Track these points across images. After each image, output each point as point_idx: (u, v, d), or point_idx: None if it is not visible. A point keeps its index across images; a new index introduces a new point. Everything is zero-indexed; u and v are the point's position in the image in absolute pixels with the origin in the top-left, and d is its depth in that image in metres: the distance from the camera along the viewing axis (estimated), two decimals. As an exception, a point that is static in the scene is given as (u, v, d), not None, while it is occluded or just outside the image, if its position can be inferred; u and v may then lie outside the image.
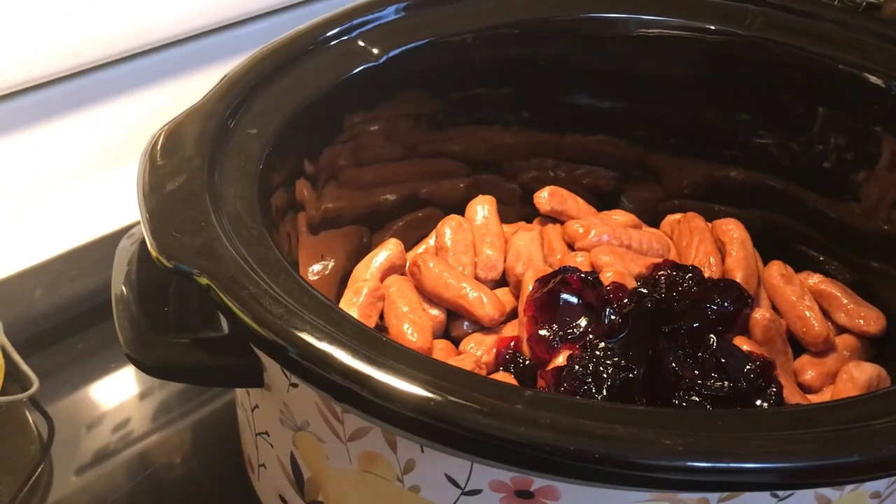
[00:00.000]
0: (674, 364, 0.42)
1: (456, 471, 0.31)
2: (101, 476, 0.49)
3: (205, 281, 0.31)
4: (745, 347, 0.44)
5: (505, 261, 0.49)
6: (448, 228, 0.49)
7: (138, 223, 0.35)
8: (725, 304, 0.44)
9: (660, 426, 0.27)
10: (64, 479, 0.49)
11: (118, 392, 0.55)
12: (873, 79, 0.45)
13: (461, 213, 0.51)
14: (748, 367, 0.42)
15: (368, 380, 0.28)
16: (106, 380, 0.56)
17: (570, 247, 0.50)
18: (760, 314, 0.45)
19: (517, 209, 0.54)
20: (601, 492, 0.30)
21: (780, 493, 0.30)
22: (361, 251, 0.49)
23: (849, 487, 0.31)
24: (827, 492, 0.30)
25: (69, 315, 0.59)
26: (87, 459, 0.50)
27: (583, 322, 0.43)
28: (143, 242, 0.34)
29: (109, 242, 0.57)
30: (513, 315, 0.47)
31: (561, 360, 0.42)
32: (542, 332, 0.43)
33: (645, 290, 0.45)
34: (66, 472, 0.49)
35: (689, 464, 0.26)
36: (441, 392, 0.28)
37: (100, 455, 0.50)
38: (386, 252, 0.48)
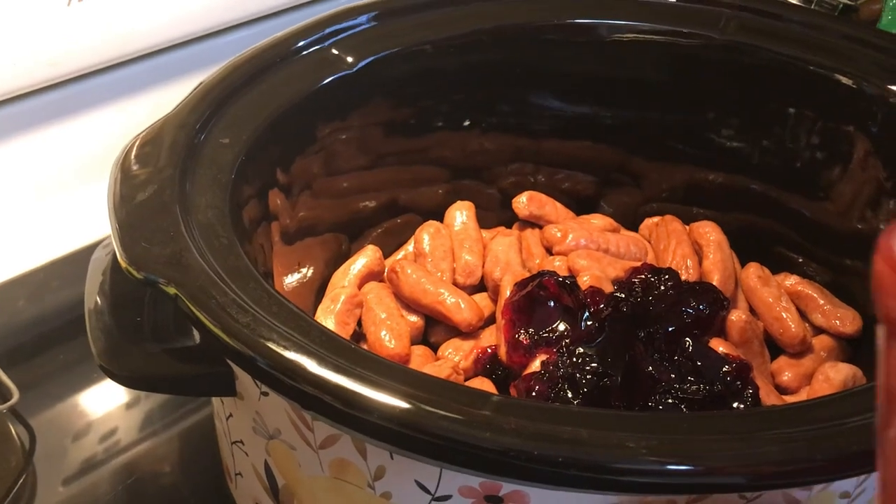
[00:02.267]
0: (650, 368, 0.42)
1: (426, 477, 0.31)
2: (87, 486, 0.49)
3: (173, 291, 0.31)
4: (721, 350, 0.44)
5: (483, 266, 0.49)
6: (426, 234, 0.49)
7: (113, 234, 0.35)
8: (701, 307, 0.44)
9: (626, 429, 0.28)
10: (50, 490, 0.49)
11: (102, 403, 0.54)
12: (844, 80, 0.45)
13: (440, 219, 0.52)
14: (724, 369, 0.42)
15: (336, 388, 0.28)
16: (90, 391, 0.56)
17: (549, 251, 0.50)
18: (737, 316, 0.45)
19: (496, 214, 0.54)
20: (570, 496, 0.30)
21: (748, 494, 0.30)
22: (340, 258, 0.49)
23: (817, 488, 0.31)
24: (796, 492, 0.30)
25: (51, 326, 0.59)
26: (73, 470, 0.50)
27: (560, 326, 0.43)
28: (115, 253, 0.34)
29: (92, 253, 0.57)
30: (491, 321, 0.47)
31: (537, 364, 0.42)
32: (519, 336, 0.43)
33: (622, 295, 0.45)
34: (52, 482, 0.49)
35: (655, 467, 0.26)
36: (408, 399, 0.28)
37: (86, 465, 0.50)
38: (364, 259, 0.48)
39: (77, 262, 0.62)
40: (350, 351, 0.30)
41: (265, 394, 0.33)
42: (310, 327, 0.31)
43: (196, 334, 0.36)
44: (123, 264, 0.32)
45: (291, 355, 0.29)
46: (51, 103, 0.63)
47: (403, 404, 0.28)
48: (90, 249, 0.64)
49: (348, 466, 0.32)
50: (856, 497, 0.32)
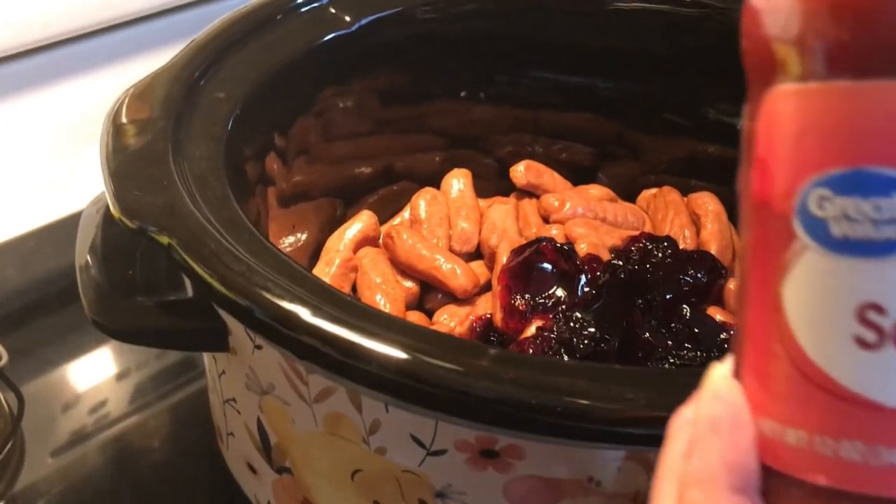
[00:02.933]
0: (648, 335, 0.42)
1: (421, 431, 0.30)
2: (76, 458, 0.49)
3: (166, 240, 0.31)
4: (719, 318, 0.43)
5: (480, 233, 0.49)
6: (423, 201, 0.49)
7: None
8: (699, 275, 0.44)
9: (624, 383, 0.27)
10: (39, 460, 0.48)
11: (93, 374, 0.54)
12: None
13: (437, 187, 0.51)
14: (722, 336, 0.42)
15: (333, 337, 0.28)
16: (80, 361, 0.55)
17: (546, 220, 0.50)
18: (734, 285, 0.45)
19: (494, 184, 0.54)
20: (566, 451, 0.29)
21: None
22: (335, 223, 0.48)
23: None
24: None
25: (41, 293, 0.59)
26: (62, 441, 0.50)
27: (557, 292, 0.43)
28: (108, 206, 0.34)
29: (82, 219, 0.56)
30: (487, 288, 0.47)
31: (532, 330, 0.42)
32: (515, 302, 0.43)
33: (619, 262, 0.45)
34: (40, 453, 0.49)
35: (654, 415, 0.26)
36: (406, 349, 0.28)
37: (75, 437, 0.50)
38: (359, 224, 0.47)
39: (69, 228, 0.61)
40: (346, 302, 0.30)
41: (259, 347, 0.33)
42: (305, 279, 0.31)
43: (189, 288, 0.36)
44: (116, 214, 0.32)
45: (287, 304, 0.29)
46: (43, 65, 0.62)
47: (401, 353, 0.27)
48: (78, 218, 0.64)
49: (343, 420, 0.32)
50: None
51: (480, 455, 0.30)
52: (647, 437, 0.27)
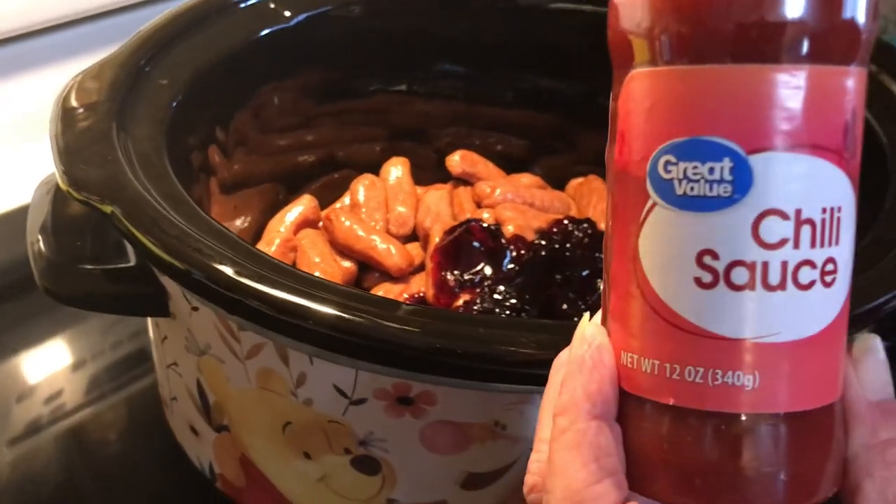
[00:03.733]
0: (565, 306, 0.45)
1: (343, 381, 0.33)
2: (32, 448, 0.50)
3: (108, 208, 0.33)
4: (633, 292, 0.47)
5: (415, 217, 0.52)
6: (361, 186, 0.52)
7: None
8: (615, 252, 0.48)
9: (520, 330, 0.30)
10: (-6, 451, 0.49)
11: (48, 365, 0.55)
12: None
13: (377, 174, 0.54)
14: (634, 308, 0.45)
15: (257, 292, 0.31)
16: (36, 350, 0.56)
17: (478, 206, 0.53)
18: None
19: (432, 174, 0.57)
20: (473, 395, 0.32)
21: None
22: (277, 208, 0.51)
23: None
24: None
25: (-2, 284, 0.60)
26: (17, 431, 0.50)
27: (484, 269, 0.46)
28: (58, 186, 0.36)
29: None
30: (421, 268, 0.50)
31: (459, 303, 0.45)
32: (446, 277, 0.46)
33: (542, 242, 0.48)
34: (-4, 443, 0.49)
35: (542, 357, 0.29)
36: (328, 304, 0.30)
37: (31, 427, 0.51)
38: (300, 207, 0.50)
39: (18, 220, 0.63)
40: (272, 264, 0.33)
41: (195, 308, 0.36)
42: (237, 244, 0.33)
43: (132, 256, 0.38)
44: (63, 186, 0.34)
45: (217, 265, 0.31)
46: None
47: (324, 308, 0.30)
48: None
49: (272, 375, 0.35)
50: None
51: (397, 402, 0.33)
52: (538, 377, 0.30)
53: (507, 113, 0.57)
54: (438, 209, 0.52)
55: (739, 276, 0.22)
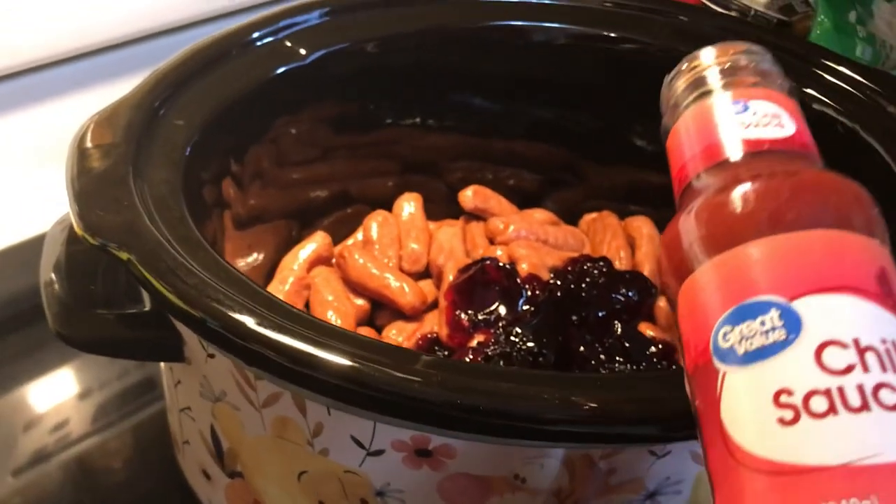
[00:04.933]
0: (582, 348, 0.44)
1: (361, 432, 0.33)
2: (37, 478, 0.50)
3: (125, 255, 0.33)
4: (649, 333, 0.46)
5: (428, 254, 0.51)
6: (374, 223, 0.52)
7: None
8: (630, 293, 0.47)
9: (543, 385, 0.30)
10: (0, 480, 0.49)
11: (56, 392, 0.55)
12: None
13: (389, 210, 0.54)
14: (651, 350, 0.45)
15: (279, 345, 0.30)
16: (43, 379, 0.56)
17: (491, 242, 0.53)
18: (664, 302, 0.48)
19: (444, 208, 0.56)
20: (493, 449, 0.32)
21: (658, 450, 0.32)
22: (290, 244, 0.51)
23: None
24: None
25: (5, 314, 0.60)
26: (23, 461, 0.50)
27: (499, 309, 0.46)
28: (72, 227, 0.36)
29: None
30: (435, 306, 0.49)
31: (473, 344, 0.44)
32: (460, 317, 0.45)
33: (557, 281, 0.48)
34: (1, 472, 0.49)
35: (568, 415, 0.29)
36: (346, 355, 0.30)
37: (36, 457, 0.51)
38: (313, 244, 0.50)
39: (31, 249, 0.62)
40: (292, 313, 0.32)
41: (211, 356, 0.35)
42: (255, 291, 0.33)
43: (147, 301, 0.38)
44: (79, 231, 0.34)
45: (236, 315, 0.31)
46: (8, 92, 0.64)
47: (342, 360, 0.30)
48: (44, 238, 0.65)
49: (289, 424, 0.34)
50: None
51: (416, 454, 0.33)
52: (561, 434, 0.29)
53: (520, 147, 0.57)
54: (451, 246, 0.51)
55: (818, 404, 0.23)
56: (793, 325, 0.24)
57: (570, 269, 0.49)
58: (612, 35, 0.52)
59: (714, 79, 0.31)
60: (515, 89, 0.55)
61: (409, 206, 0.53)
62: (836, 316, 0.24)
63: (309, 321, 0.32)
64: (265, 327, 0.31)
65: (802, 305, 0.24)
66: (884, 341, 0.23)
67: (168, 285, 0.32)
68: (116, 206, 0.35)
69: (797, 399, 0.23)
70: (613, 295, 0.47)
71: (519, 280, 0.47)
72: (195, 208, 0.39)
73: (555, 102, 0.55)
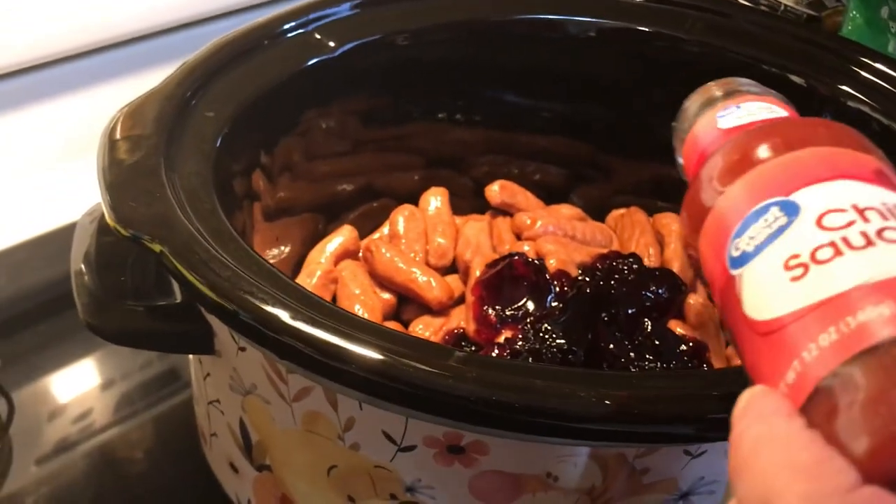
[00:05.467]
0: (612, 346, 0.44)
1: (392, 427, 0.33)
2: (60, 467, 0.50)
3: (158, 247, 0.33)
4: (679, 331, 0.46)
5: (455, 248, 0.51)
6: (401, 217, 0.51)
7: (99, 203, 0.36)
8: (660, 291, 0.47)
9: (578, 382, 0.30)
10: (23, 468, 0.49)
11: (80, 382, 0.55)
12: (797, 79, 0.47)
13: (415, 204, 0.53)
14: (681, 348, 0.44)
15: (312, 339, 0.30)
16: (68, 369, 0.56)
17: (518, 237, 0.52)
18: (695, 300, 0.47)
19: (470, 202, 0.56)
20: (526, 447, 0.32)
21: (693, 450, 0.32)
22: (317, 238, 0.51)
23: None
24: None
25: (32, 304, 0.60)
26: (47, 449, 0.51)
27: (527, 304, 0.46)
28: (102, 217, 0.36)
29: (74, 232, 0.58)
30: (461, 301, 0.49)
31: (501, 340, 0.44)
32: (487, 312, 0.45)
33: (586, 278, 0.47)
34: (25, 461, 0.50)
35: (601, 413, 0.28)
36: (379, 350, 0.30)
37: (60, 446, 0.51)
38: (340, 238, 0.50)
39: (59, 240, 0.63)
40: (324, 307, 0.32)
41: (242, 349, 0.35)
42: (287, 285, 0.33)
43: (177, 293, 0.38)
44: (111, 223, 0.34)
45: (269, 308, 0.31)
46: (34, 83, 0.64)
47: (375, 354, 0.29)
48: (71, 228, 0.66)
49: (319, 418, 0.34)
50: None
51: (447, 451, 0.32)
52: (596, 432, 0.29)
53: (546, 141, 0.56)
54: (478, 241, 0.51)
55: (824, 253, 0.24)
56: (792, 209, 0.26)
57: (598, 265, 0.48)
58: (645, 30, 0.51)
59: (717, 95, 0.36)
60: (544, 83, 0.54)
61: (435, 200, 0.53)
62: (834, 193, 0.26)
63: (342, 315, 0.32)
64: (299, 321, 0.30)
65: (799, 195, 0.26)
66: (884, 204, 0.25)
67: (201, 278, 0.32)
68: (148, 198, 0.35)
69: (805, 257, 0.24)
70: (643, 292, 0.46)
71: (547, 276, 0.46)
72: (225, 200, 0.39)
73: (583, 97, 0.55)
